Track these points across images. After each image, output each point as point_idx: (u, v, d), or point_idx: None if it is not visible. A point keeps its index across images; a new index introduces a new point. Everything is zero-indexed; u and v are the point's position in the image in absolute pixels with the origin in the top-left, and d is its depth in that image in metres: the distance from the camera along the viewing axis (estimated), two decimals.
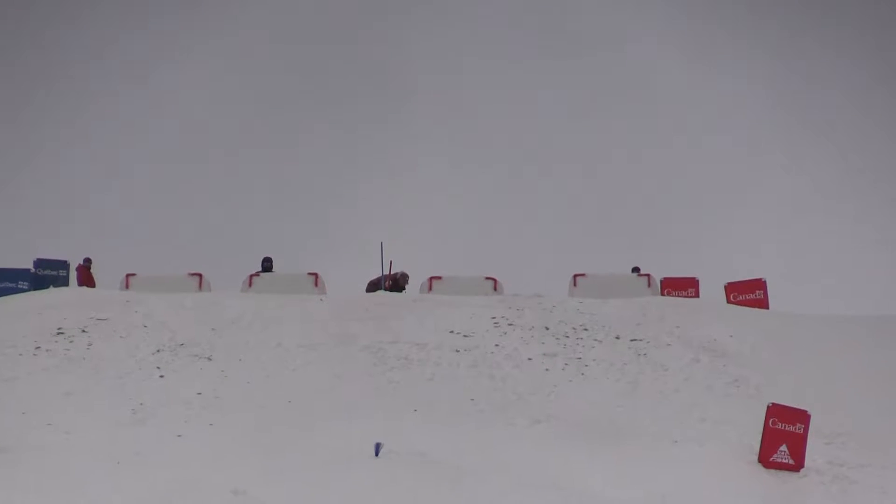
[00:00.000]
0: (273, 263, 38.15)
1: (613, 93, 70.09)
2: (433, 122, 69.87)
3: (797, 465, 24.30)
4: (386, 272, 37.25)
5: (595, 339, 31.12)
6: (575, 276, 37.06)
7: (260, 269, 37.88)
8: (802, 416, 24.52)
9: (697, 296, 36.53)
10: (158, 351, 29.94)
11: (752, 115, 68.95)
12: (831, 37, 67.20)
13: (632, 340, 31.11)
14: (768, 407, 24.66)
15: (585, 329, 31.81)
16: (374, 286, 37.35)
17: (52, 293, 35.33)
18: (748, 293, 36.12)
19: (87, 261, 38.32)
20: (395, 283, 37.34)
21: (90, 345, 30.11)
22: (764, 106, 68.67)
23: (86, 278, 37.95)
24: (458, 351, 30.20)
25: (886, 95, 65.65)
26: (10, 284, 36.34)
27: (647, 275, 37.31)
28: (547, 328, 31.81)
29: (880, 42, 66.30)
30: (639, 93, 69.67)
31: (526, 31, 71.13)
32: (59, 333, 30.78)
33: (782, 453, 24.36)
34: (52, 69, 70.00)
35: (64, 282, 37.05)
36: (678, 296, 36.11)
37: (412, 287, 37.36)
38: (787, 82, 68.33)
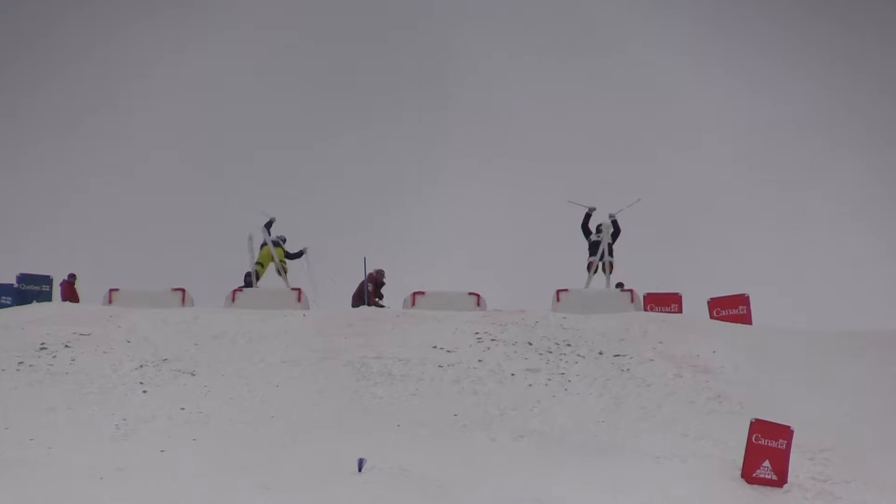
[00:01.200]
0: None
1: (605, 99, 69.88)
2: (419, 135, 69.72)
3: (780, 480, 24.33)
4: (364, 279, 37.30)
5: (578, 355, 31.15)
6: (558, 291, 37.09)
7: (243, 284, 37.85)
8: (785, 432, 24.55)
9: (680, 311, 36.56)
10: (142, 366, 29.89)
11: (746, 123, 68.82)
12: (833, 38, 67.10)
13: (615, 356, 31.14)
14: (751, 422, 24.68)
15: (568, 344, 31.84)
16: (358, 298, 37.36)
17: (35, 308, 35.25)
18: (731, 308, 36.16)
19: (72, 276, 38.24)
20: (376, 284, 37.39)
21: (73, 360, 30.05)
22: (765, 111, 68.50)
23: (70, 294, 37.87)
24: (441, 366, 30.20)
25: (886, 100, 65.42)
26: None
27: (631, 290, 37.34)
28: (530, 343, 31.83)
29: (884, 46, 66.19)
30: (630, 98, 69.46)
31: (517, 37, 70.99)
32: (42, 349, 30.72)
33: (765, 469, 24.38)
34: (36, 78, 69.71)
35: (47, 297, 36.99)
36: (661, 311, 36.13)
37: (396, 302, 37.34)
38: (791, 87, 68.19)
